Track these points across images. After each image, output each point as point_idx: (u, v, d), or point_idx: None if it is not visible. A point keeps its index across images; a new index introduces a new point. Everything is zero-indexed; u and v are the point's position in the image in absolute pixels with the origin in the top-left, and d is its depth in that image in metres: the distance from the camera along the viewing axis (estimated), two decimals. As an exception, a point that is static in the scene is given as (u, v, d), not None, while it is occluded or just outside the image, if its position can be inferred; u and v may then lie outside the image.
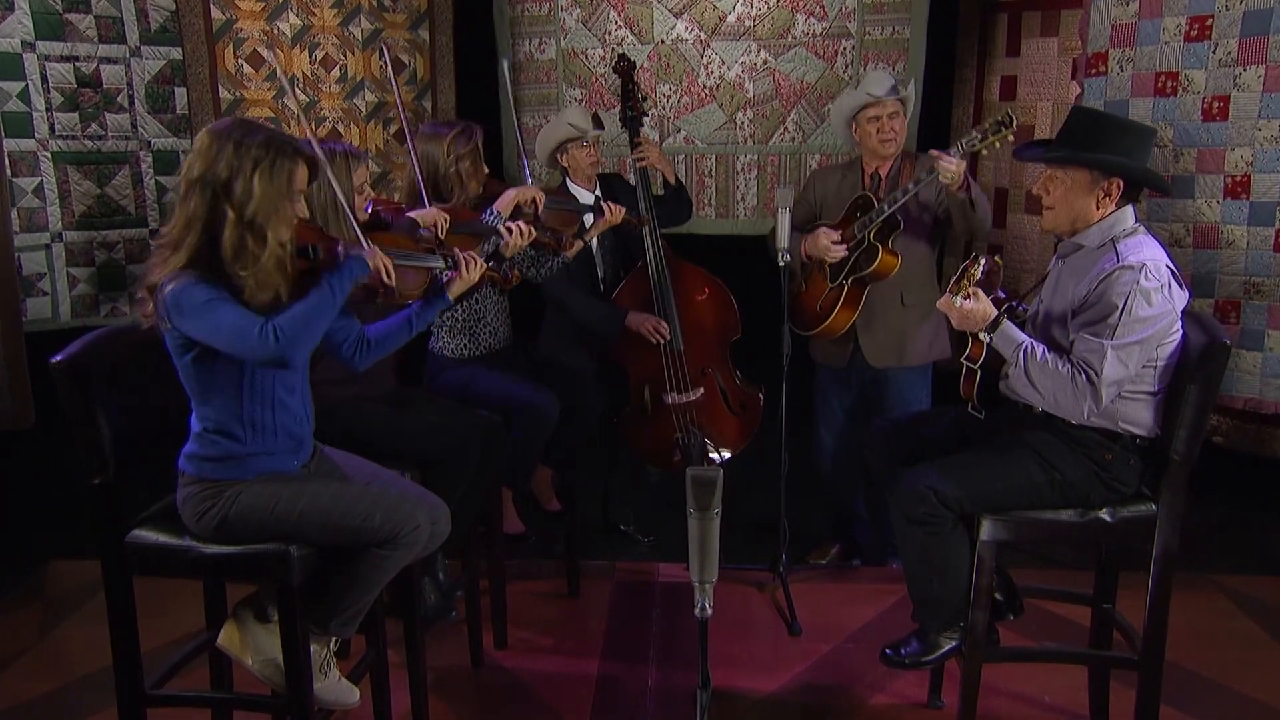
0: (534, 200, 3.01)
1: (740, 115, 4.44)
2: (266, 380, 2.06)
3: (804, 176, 4.29)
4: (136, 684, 2.18)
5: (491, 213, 2.90)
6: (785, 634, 3.07)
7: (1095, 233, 2.37)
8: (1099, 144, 2.34)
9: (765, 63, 4.36)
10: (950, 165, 2.85)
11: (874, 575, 3.42)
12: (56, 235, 3.95)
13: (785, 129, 4.43)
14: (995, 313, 2.34)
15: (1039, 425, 2.38)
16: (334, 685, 2.19)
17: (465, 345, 3.17)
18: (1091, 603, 2.60)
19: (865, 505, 3.50)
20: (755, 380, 3.69)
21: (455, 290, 2.43)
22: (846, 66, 4.30)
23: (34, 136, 3.85)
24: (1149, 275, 2.22)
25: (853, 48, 4.30)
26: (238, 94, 4.15)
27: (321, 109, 4.28)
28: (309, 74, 4.23)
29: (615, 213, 3.19)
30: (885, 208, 3.08)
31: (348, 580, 2.12)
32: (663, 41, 4.41)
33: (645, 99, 3.69)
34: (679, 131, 4.50)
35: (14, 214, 3.79)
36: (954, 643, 2.42)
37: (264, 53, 4.03)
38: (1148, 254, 2.27)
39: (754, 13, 4.32)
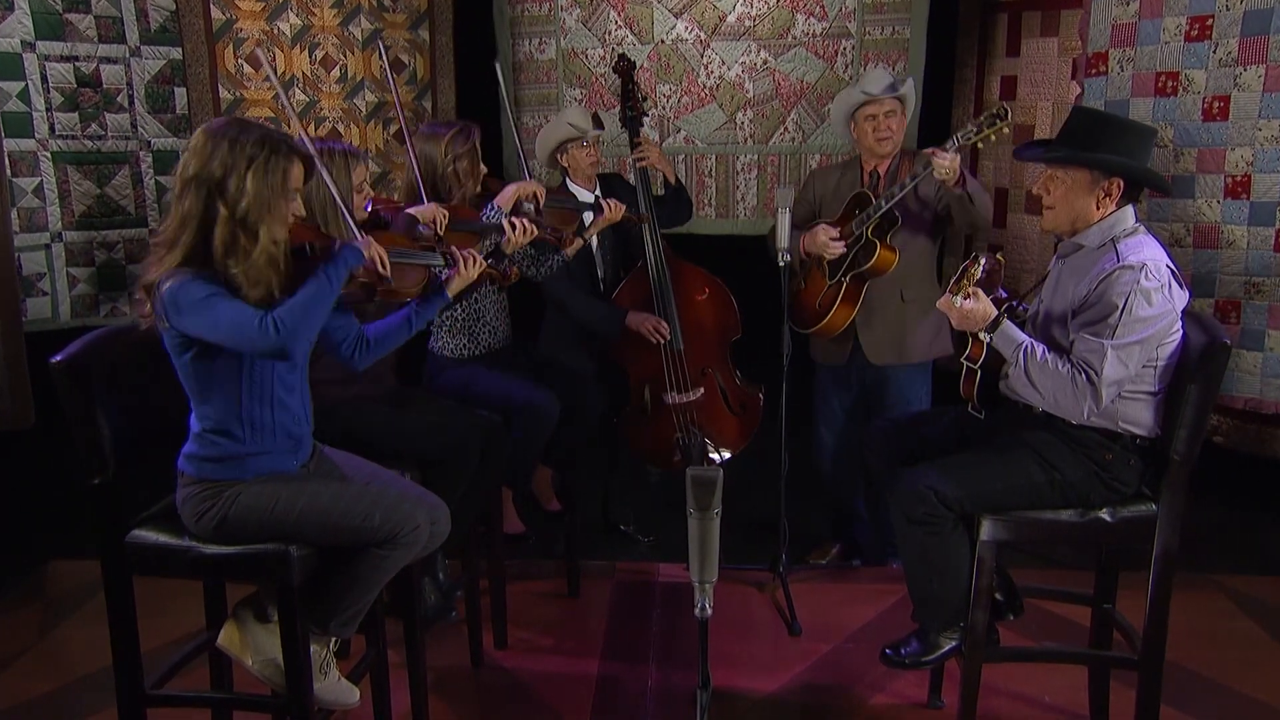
0: (535, 194, 3.01)
1: (740, 115, 4.44)
2: (266, 379, 2.06)
3: (804, 177, 4.29)
4: (136, 684, 2.18)
5: (492, 207, 2.90)
6: (785, 634, 3.07)
7: (1095, 233, 2.37)
8: (1099, 144, 2.34)
9: (765, 63, 4.36)
10: (944, 160, 2.86)
11: (874, 575, 3.42)
12: (56, 235, 3.95)
13: (785, 129, 4.43)
14: (995, 312, 2.34)
15: (1039, 425, 2.38)
16: (334, 685, 2.19)
17: (465, 345, 3.17)
18: (1091, 603, 2.60)
19: (865, 505, 3.51)
20: (755, 380, 3.69)
21: (454, 287, 2.43)
22: (846, 66, 4.30)
23: (34, 136, 3.85)
24: (1149, 275, 2.22)
25: (853, 48, 4.30)
26: (238, 94, 4.15)
27: (321, 109, 4.28)
28: (309, 74, 4.23)
29: (615, 210, 3.19)
30: (883, 203, 3.09)
31: (347, 580, 2.12)
32: (663, 41, 4.41)
33: (645, 99, 3.69)
34: (679, 131, 4.50)
35: (14, 214, 3.79)
36: (954, 643, 2.42)
37: (260, 54, 4.03)
38: (1148, 254, 2.27)
39: (754, 13, 4.32)
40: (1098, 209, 2.36)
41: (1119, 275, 2.24)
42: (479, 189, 3.07)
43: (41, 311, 3.96)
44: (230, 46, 4.09)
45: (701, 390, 3.61)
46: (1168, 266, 2.27)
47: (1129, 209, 2.37)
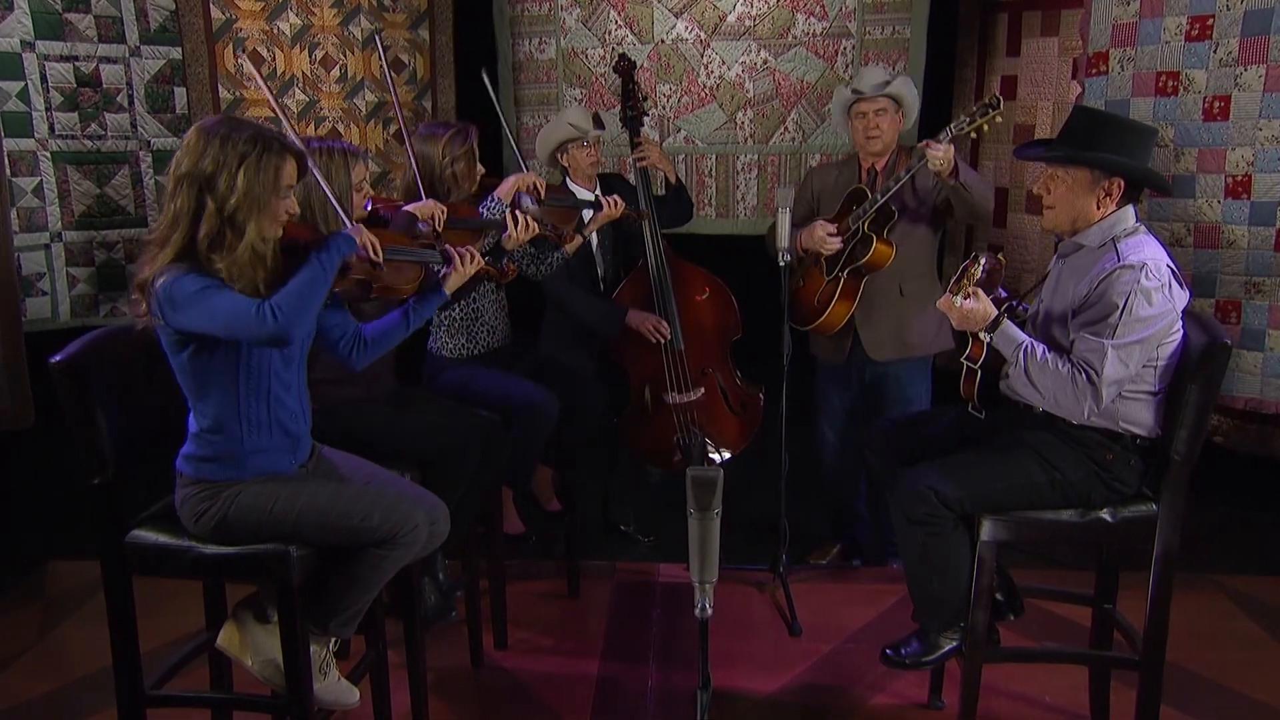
0: (534, 185, 3.01)
1: (740, 115, 4.43)
2: (263, 375, 2.06)
3: (804, 176, 4.29)
4: (136, 684, 2.18)
5: (492, 199, 2.90)
6: (785, 634, 3.07)
7: (1096, 232, 2.37)
8: (1100, 143, 2.34)
9: (765, 62, 4.36)
10: (938, 151, 2.88)
11: (874, 575, 3.42)
12: (56, 235, 3.95)
13: (785, 129, 4.42)
14: (995, 312, 2.34)
15: (1039, 425, 2.38)
16: (334, 685, 2.19)
17: (464, 345, 3.17)
18: (1092, 603, 2.60)
19: (866, 505, 3.50)
20: (755, 380, 3.69)
21: (451, 284, 2.42)
22: (847, 66, 4.30)
23: (33, 136, 3.85)
24: (1150, 275, 2.22)
25: (853, 47, 4.29)
26: (237, 94, 4.14)
27: (321, 109, 4.27)
28: (309, 74, 4.22)
29: (614, 206, 3.19)
30: (878, 198, 3.10)
31: (347, 580, 2.12)
32: (663, 41, 4.41)
33: (645, 99, 3.69)
34: (679, 131, 4.50)
35: (13, 214, 3.79)
36: (954, 643, 2.42)
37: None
38: (1148, 253, 2.26)
39: (754, 12, 4.31)
40: (1098, 209, 2.36)
41: (1119, 275, 2.24)
42: (476, 189, 3.07)
43: (41, 311, 3.96)
44: (230, 46, 4.09)
45: (702, 390, 3.61)
46: (1168, 266, 2.27)
47: (1129, 209, 2.37)
